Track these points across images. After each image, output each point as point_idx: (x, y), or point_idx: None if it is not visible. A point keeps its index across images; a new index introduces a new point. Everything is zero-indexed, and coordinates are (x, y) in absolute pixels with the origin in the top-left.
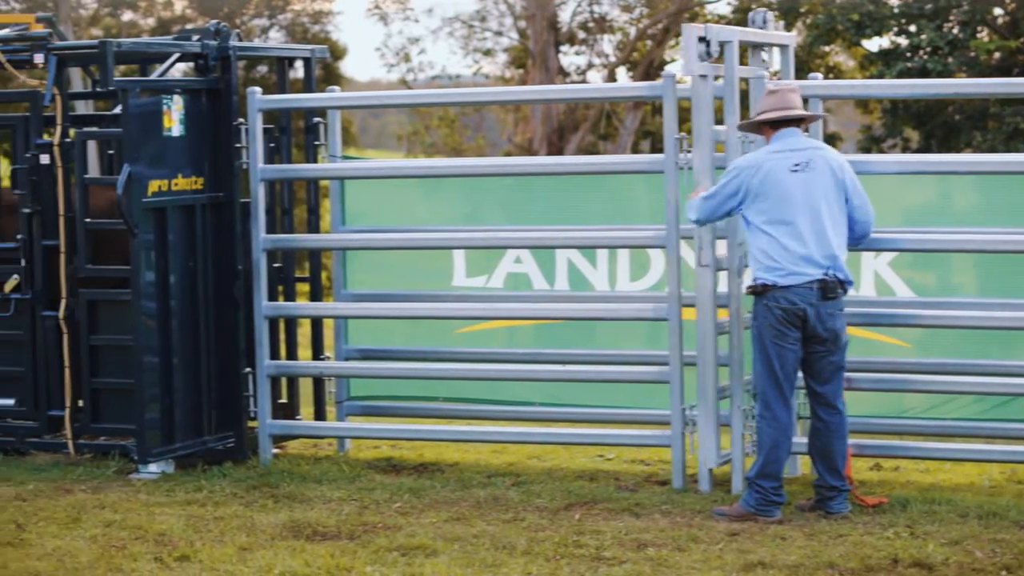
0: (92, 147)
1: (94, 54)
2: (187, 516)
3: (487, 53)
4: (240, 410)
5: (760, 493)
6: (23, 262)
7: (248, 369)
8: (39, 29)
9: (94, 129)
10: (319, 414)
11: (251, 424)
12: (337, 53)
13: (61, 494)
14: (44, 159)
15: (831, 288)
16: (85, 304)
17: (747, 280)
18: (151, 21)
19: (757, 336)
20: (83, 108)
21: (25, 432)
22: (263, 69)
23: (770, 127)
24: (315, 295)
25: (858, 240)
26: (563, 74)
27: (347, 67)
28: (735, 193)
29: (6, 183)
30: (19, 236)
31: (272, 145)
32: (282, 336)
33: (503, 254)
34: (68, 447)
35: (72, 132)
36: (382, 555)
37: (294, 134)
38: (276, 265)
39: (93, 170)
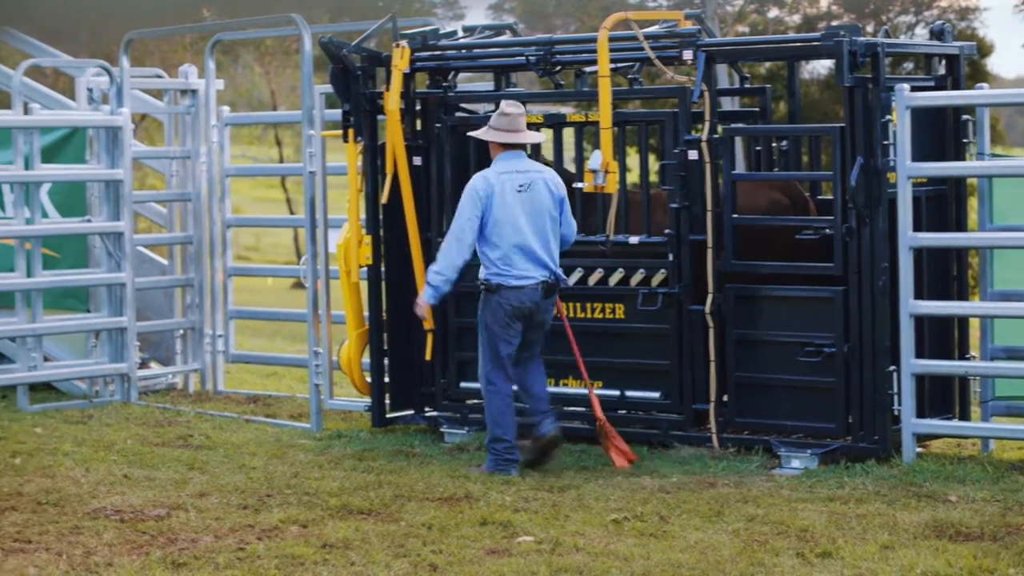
0: (739, 143)
1: (741, 51)
2: (829, 513)
3: None
4: (884, 408)
5: (495, 454)
6: (671, 257)
7: (892, 367)
8: (688, 26)
9: (742, 125)
10: (963, 414)
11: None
12: (984, 50)
13: (704, 487)
14: (692, 155)
15: (551, 288)
16: (732, 299)
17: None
18: (796, 18)
19: (484, 324)
20: (728, 104)
21: (670, 425)
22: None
23: (500, 145)
24: (961, 293)
25: (564, 245)
26: None
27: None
28: (477, 214)
29: (654, 179)
30: (667, 231)
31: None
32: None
33: None
34: (712, 441)
35: (720, 128)
36: None
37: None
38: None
39: (740, 167)
